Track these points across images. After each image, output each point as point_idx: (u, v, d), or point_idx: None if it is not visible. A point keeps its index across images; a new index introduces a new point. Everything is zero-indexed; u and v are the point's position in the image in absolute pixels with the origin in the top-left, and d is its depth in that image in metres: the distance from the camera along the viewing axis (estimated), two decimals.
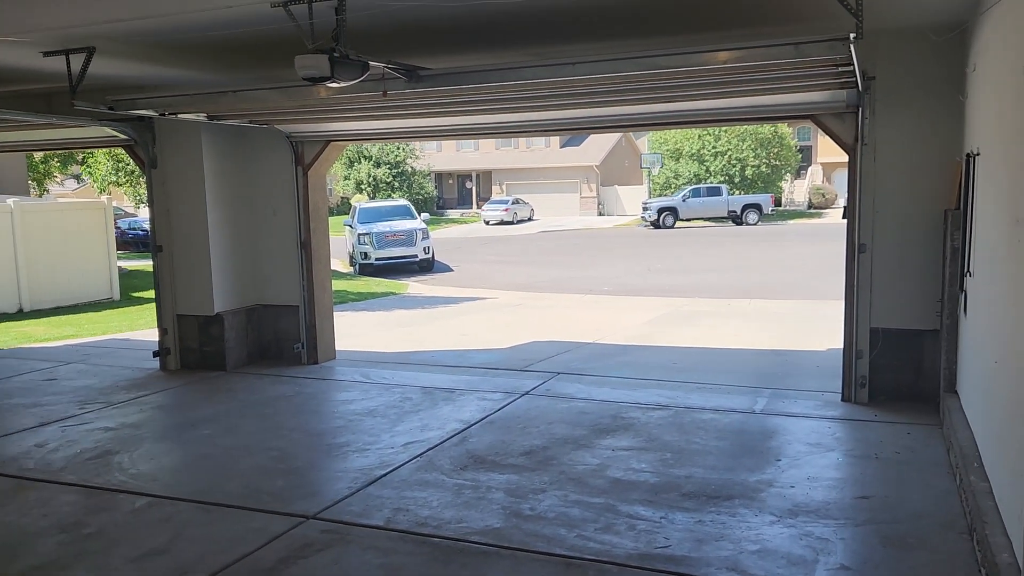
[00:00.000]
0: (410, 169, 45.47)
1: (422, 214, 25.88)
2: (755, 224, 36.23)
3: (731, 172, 40.66)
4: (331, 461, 5.76)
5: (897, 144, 6.38)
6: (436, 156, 51.14)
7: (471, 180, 53.66)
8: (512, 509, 4.81)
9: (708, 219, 37.82)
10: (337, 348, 9.34)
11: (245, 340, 8.95)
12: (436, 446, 6.01)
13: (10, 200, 15.37)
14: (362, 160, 43.55)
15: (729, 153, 40.76)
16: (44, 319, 14.32)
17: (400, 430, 6.43)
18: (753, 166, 40.45)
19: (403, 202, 26.17)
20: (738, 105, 6.81)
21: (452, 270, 23.36)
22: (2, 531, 4.60)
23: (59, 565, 4.15)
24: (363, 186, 43.09)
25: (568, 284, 18.86)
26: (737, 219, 36.83)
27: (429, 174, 48.20)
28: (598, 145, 50.93)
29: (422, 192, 45.75)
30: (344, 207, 35.75)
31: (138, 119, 8.41)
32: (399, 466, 5.57)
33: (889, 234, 6.52)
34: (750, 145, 40.42)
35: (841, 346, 6.93)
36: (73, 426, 6.70)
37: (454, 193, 54.39)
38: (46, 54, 6.26)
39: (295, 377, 8.33)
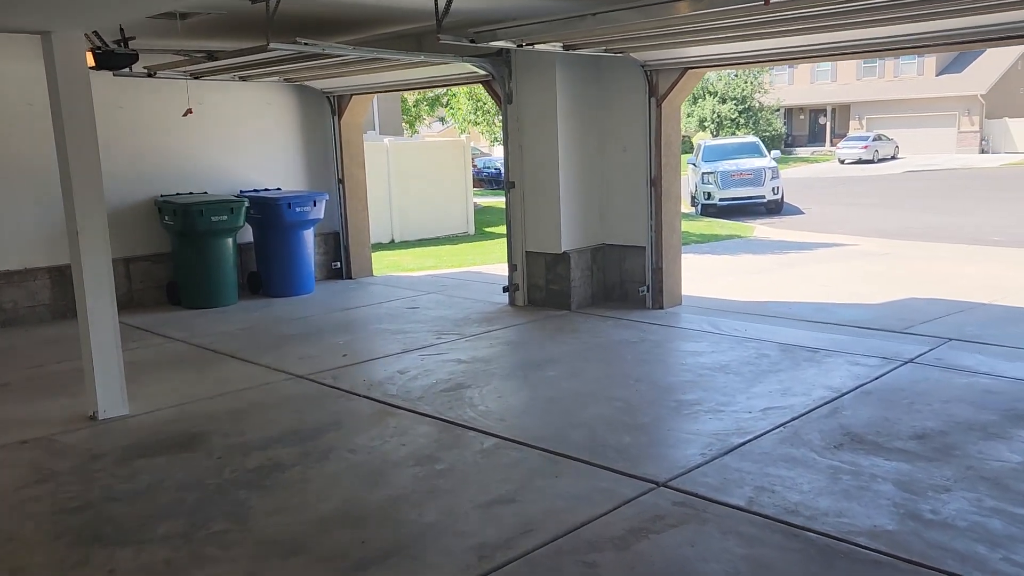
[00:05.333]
0: (757, 104, 42.85)
1: (772, 152, 24.12)
2: None
3: None
4: (680, 420, 5.24)
5: None
6: (786, 90, 47.65)
7: (825, 115, 49.25)
8: (907, 509, 3.90)
9: None
10: (683, 293, 8.77)
11: (590, 280, 8.74)
12: (801, 415, 5.19)
13: (386, 139, 16.93)
14: (706, 96, 41.93)
15: None
16: (410, 249, 15.67)
17: (757, 392, 5.70)
18: None
19: (751, 139, 24.59)
20: None
21: (803, 213, 21.52)
22: (367, 456, 4.77)
23: (412, 501, 4.15)
24: (706, 123, 41.57)
25: (945, 232, 16.28)
26: None
27: (778, 109, 45.09)
28: (984, 70, 43.67)
29: (769, 129, 42.99)
30: (686, 146, 34.76)
31: (496, 54, 8.44)
32: (759, 435, 4.87)
33: None
34: None
35: None
36: (430, 356, 6.96)
37: (805, 130, 50.41)
38: None
39: (639, 322, 7.93)
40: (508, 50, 8.40)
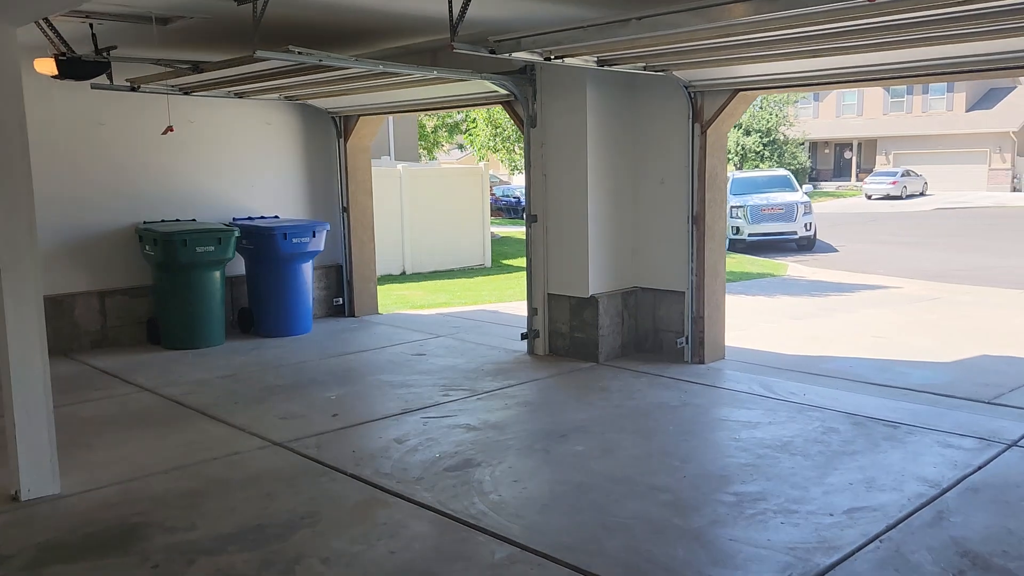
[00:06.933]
0: (782, 137, 41.81)
1: (803, 186, 23.07)
2: None
3: None
4: (744, 525, 4.14)
5: None
6: (811, 123, 46.64)
7: (851, 149, 48.19)
8: None
9: None
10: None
11: (620, 328, 7.69)
12: (899, 523, 4.09)
13: (400, 165, 16.03)
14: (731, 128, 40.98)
15: None
16: (421, 283, 14.68)
17: (834, 483, 4.61)
18: None
19: (783, 172, 23.55)
20: None
21: (836, 250, 20.39)
22: (344, 570, 3.70)
23: None
24: (729, 155, 40.55)
25: (990, 274, 15.12)
26: None
27: (803, 143, 44.00)
28: (1017, 107, 42.53)
29: (794, 162, 41.84)
30: None
31: (520, 71, 7.49)
32: (851, 552, 3.78)
33: None
34: None
35: None
36: (435, 418, 5.91)
37: (829, 164, 49.35)
38: None
39: (678, 379, 6.86)
40: (533, 67, 7.46)
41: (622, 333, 7.70)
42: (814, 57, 5.81)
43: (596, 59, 6.12)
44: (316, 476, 4.84)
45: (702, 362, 7.36)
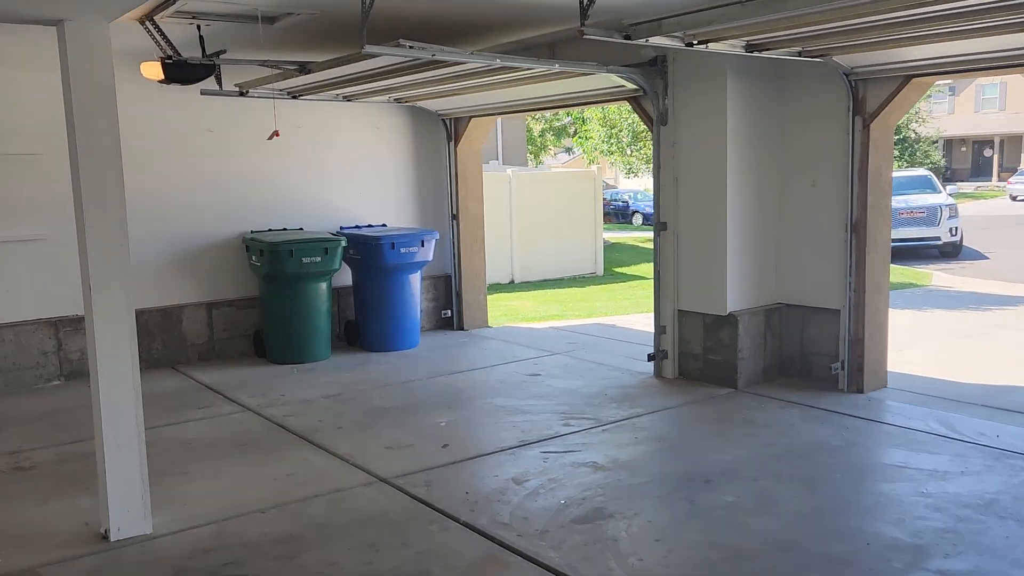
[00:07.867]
0: (913, 135, 39.09)
1: (947, 187, 21.22)
2: None
3: None
4: None
5: None
6: (946, 119, 43.50)
7: (991, 147, 44.69)
8: None
9: None
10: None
11: (762, 350, 6.81)
12: None
13: (509, 169, 15.49)
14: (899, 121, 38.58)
15: None
16: (531, 292, 14.08)
17: None
18: None
19: (923, 172, 21.72)
20: None
21: (986, 257, 18.54)
22: None
23: None
24: None
25: None
26: None
27: (936, 141, 41.07)
28: None
29: (927, 161, 39.07)
30: None
31: (650, 63, 6.75)
32: None
33: None
34: None
35: None
36: (556, 453, 5.24)
37: (966, 163, 45.97)
38: None
39: (835, 412, 5.93)
40: (664, 58, 6.71)
41: (764, 356, 6.82)
42: (1014, 33, 4.82)
43: (745, 43, 5.30)
44: (426, 523, 4.24)
45: (860, 391, 6.40)
